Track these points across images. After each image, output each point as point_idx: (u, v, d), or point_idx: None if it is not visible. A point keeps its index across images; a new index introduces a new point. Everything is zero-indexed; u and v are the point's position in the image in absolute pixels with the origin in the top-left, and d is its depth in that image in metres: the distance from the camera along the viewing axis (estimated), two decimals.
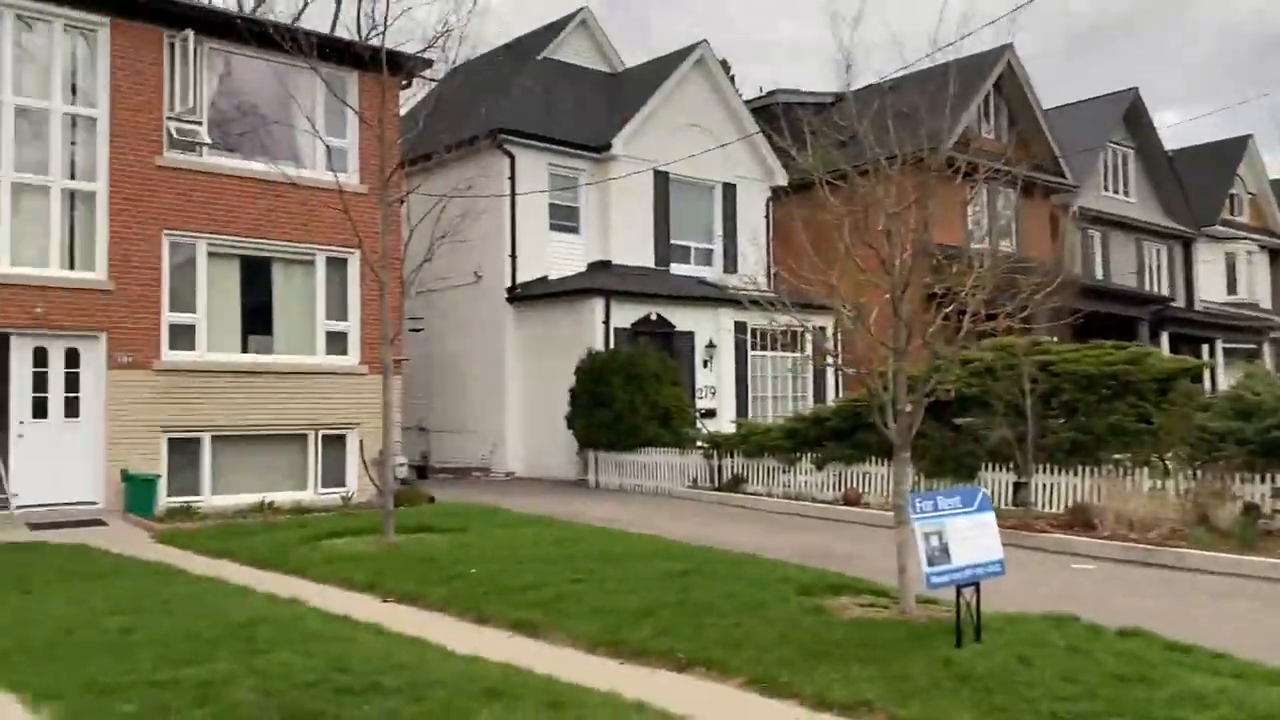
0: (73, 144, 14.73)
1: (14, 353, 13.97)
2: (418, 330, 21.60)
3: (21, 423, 14.01)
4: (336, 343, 16.92)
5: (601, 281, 20.87)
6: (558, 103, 23.36)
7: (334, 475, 16.70)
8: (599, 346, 19.78)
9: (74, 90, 14.78)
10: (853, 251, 8.15)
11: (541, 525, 12.71)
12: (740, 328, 21.93)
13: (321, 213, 16.12)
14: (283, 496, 15.39)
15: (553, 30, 26.17)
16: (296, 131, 16.30)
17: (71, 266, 14.60)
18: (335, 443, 16.80)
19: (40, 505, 13.80)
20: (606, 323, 20.14)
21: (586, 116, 23.40)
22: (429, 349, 22.42)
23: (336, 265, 16.92)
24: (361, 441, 16.69)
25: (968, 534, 6.76)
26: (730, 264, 23.60)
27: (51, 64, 14.54)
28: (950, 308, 8.14)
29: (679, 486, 17.59)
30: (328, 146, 15.75)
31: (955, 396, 13.13)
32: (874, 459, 15.13)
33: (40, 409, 14.19)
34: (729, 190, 24.43)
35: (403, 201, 16.44)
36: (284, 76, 15.28)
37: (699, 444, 18.21)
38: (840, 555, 10.58)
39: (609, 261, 22.19)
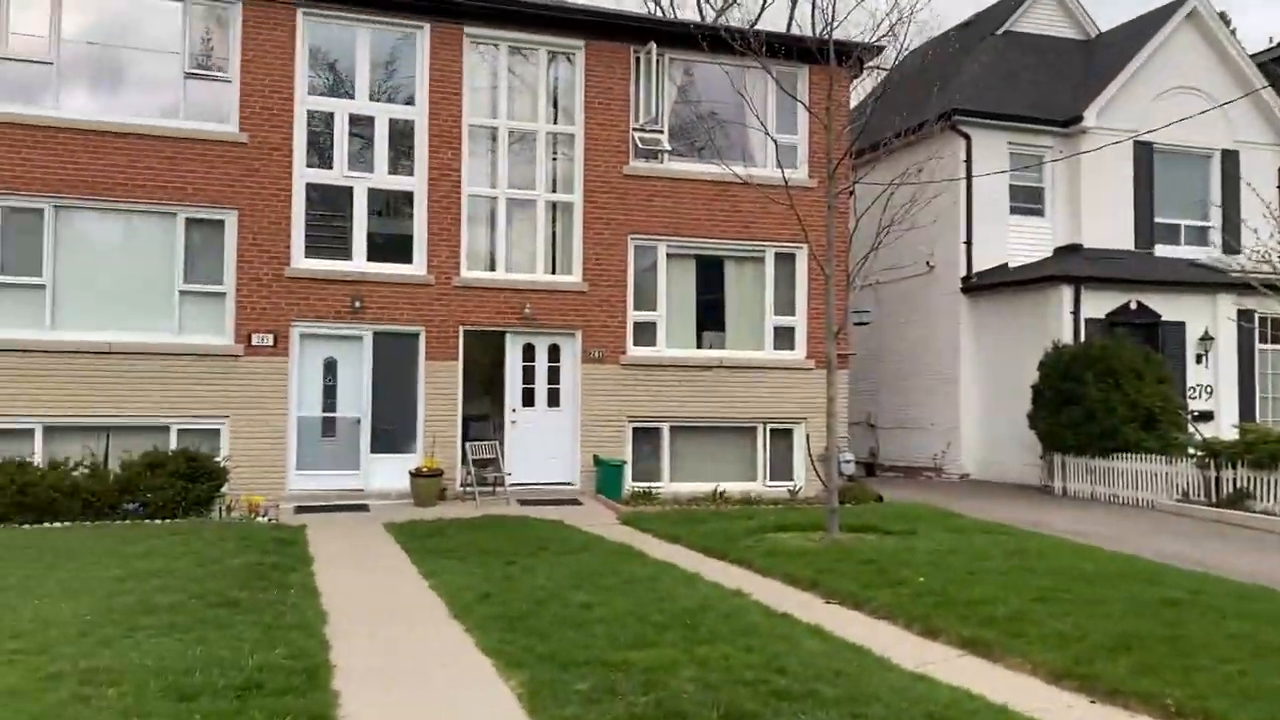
0: (554, 159, 16.34)
1: (508, 349, 15.82)
2: (864, 323, 21.20)
3: (514, 410, 15.84)
4: (784, 338, 17.10)
5: (1070, 267, 18.99)
6: (1018, 77, 21.67)
7: (781, 468, 16.90)
8: (1067, 339, 18.03)
9: (555, 110, 16.39)
10: None
11: (997, 533, 11.75)
12: (1245, 316, 18.85)
13: (771, 209, 16.25)
14: (733, 487, 15.86)
15: (1013, 1, 24.34)
16: (748, 131, 16.71)
17: (553, 271, 16.20)
18: (783, 436, 16.98)
19: (527, 484, 15.48)
20: (1075, 313, 18.30)
21: (1052, 89, 21.44)
22: (877, 342, 21.94)
23: (784, 261, 17.10)
24: (808, 436, 16.69)
25: None
26: (1232, 243, 20.30)
27: (537, 88, 16.25)
28: None
29: (1164, 499, 15.42)
30: (777, 144, 15.89)
31: None
32: None
33: (528, 398, 15.94)
34: (1229, 158, 21.05)
35: (850, 193, 16.19)
36: (736, 78, 15.68)
37: (1191, 451, 15.84)
38: None
39: (1079, 245, 20.14)
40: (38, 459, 13.10)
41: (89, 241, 14.12)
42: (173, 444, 13.74)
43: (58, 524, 11.81)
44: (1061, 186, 20.70)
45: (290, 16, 14.83)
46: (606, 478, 15.44)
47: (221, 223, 14.52)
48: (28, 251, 13.75)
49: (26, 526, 11.61)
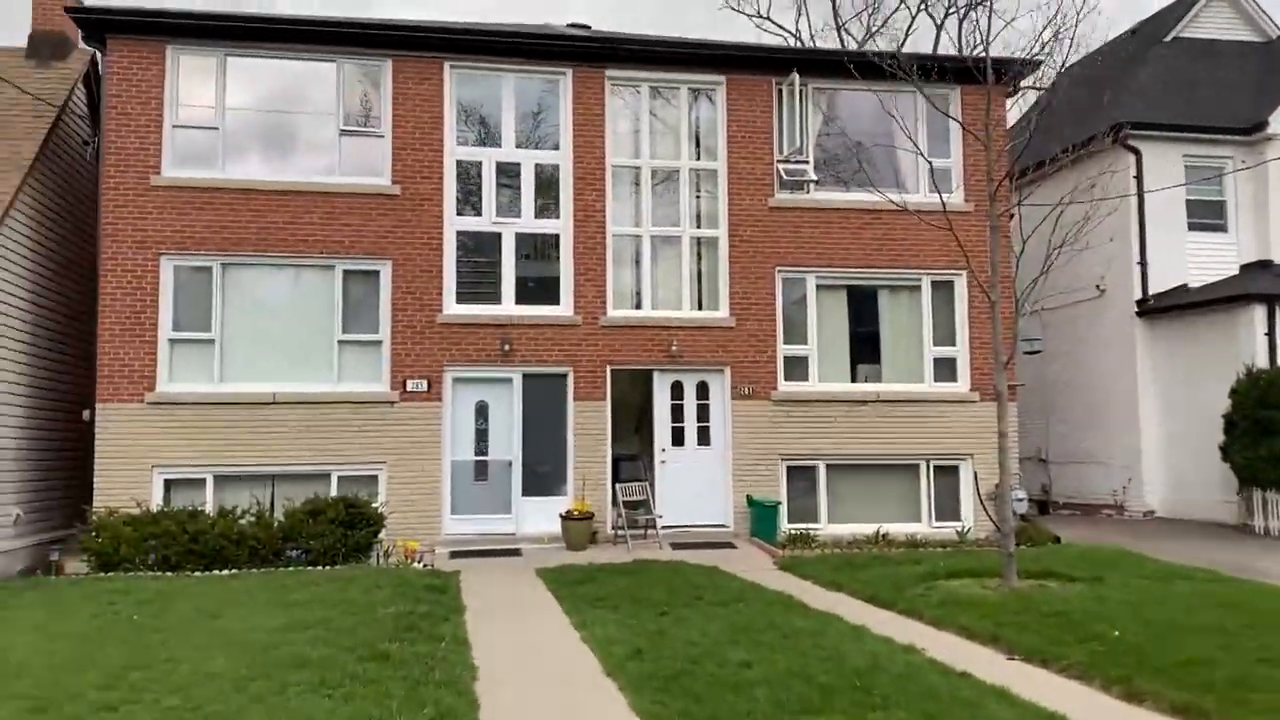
0: (697, 196, 16.10)
1: (655, 387, 15.56)
2: (1034, 352, 19.98)
3: (663, 450, 15.53)
4: (944, 369, 16.24)
5: (1261, 285, 17.40)
6: (1192, 84, 20.21)
7: (947, 508, 15.96)
8: (1261, 363, 16.47)
9: (697, 146, 16.18)
10: None
11: (1199, 580, 10.62)
12: None
13: (925, 236, 15.67)
14: (895, 528, 15.06)
15: (1182, 6, 22.80)
16: (897, 157, 16.09)
17: (699, 307, 15.90)
18: (947, 474, 16.06)
19: (679, 526, 15.11)
20: (1271, 334, 16.74)
21: (1229, 96, 19.89)
22: (1046, 371, 20.65)
23: (942, 289, 16.29)
24: (975, 474, 15.73)
25: None
26: None
27: (678, 125, 16.09)
28: None
29: None
30: (931, 167, 15.24)
31: None
32: None
33: (678, 437, 15.62)
34: None
35: (1012, 216, 15.29)
36: (883, 103, 15.10)
37: None
38: None
39: (1269, 261, 18.47)
40: (208, 507, 13.60)
41: (253, 296, 14.67)
42: (333, 491, 14.05)
43: (225, 571, 12.16)
44: (1245, 199, 19.12)
45: (438, 70, 15.17)
46: (761, 519, 14.92)
47: (377, 273, 14.87)
48: (198, 308, 14.40)
49: (198, 574, 11.98)
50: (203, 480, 14.14)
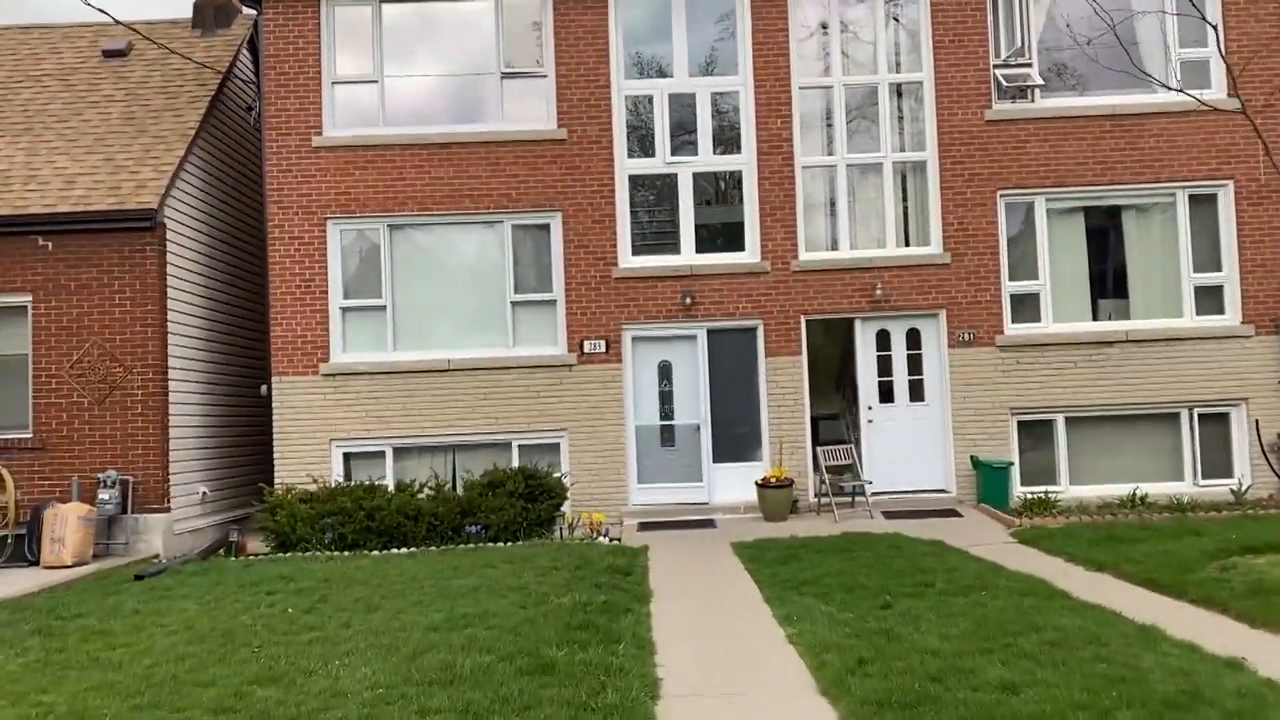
0: (899, 115, 14.07)
1: (858, 337, 13.75)
2: None
3: (870, 408, 13.74)
4: (1209, 299, 13.61)
5: None
6: None
7: (1216, 463, 13.43)
8: None
9: (896, 57, 14.12)
10: None
11: None
12: None
13: (1180, 141, 13.21)
14: (1154, 488, 12.75)
15: None
16: (1139, 52, 13.45)
17: (906, 244, 13.93)
18: (1215, 422, 13.50)
19: (891, 492, 13.33)
20: None
21: None
22: None
23: (1202, 204, 13.61)
24: (1257, 422, 13.12)
25: None
26: None
27: (874, 34, 14.06)
28: None
29: None
30: (1178, 61, 12.65)
31: None
32: None
33: (886, 393, 13.77)
34: None
35: None
36: None
37: None
38: None
39: None
40: (388, 480, 12.98)
41: (422, 259, 13.88)
42: (514, 461, 13.20)
43: (403, 550, 11.43)
44: None
45: None
46: (989, 483, 12.92)
47: (547, 227, 13.76)
48: (367, 274, 13.75)
49: (374, 553, 11.29)
50: (381, 453, 13.53)
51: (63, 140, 13.35)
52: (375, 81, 13.84)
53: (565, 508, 12.55)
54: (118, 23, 14.20)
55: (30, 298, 12.18)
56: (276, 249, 13.56)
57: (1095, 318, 13.76)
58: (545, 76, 13.82)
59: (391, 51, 13.93)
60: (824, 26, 14.06)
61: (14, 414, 12.17)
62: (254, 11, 14.23)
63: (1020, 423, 13.55)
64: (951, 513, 12.68)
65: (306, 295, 13.56)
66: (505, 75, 13.85)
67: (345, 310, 13.65)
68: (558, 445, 13.53)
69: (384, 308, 13.65)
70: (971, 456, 13.29)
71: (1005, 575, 8.43)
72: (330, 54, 13.81)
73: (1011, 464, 13.18)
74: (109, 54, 14.98)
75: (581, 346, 13.57)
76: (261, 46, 13.94)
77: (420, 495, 12.27)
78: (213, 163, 14.35)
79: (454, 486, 12.97)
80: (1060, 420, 13.50)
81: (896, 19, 14.11)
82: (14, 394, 12.18)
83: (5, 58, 14.93)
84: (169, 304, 12.54)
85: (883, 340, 13.80)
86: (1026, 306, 13.72)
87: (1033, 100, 13.78)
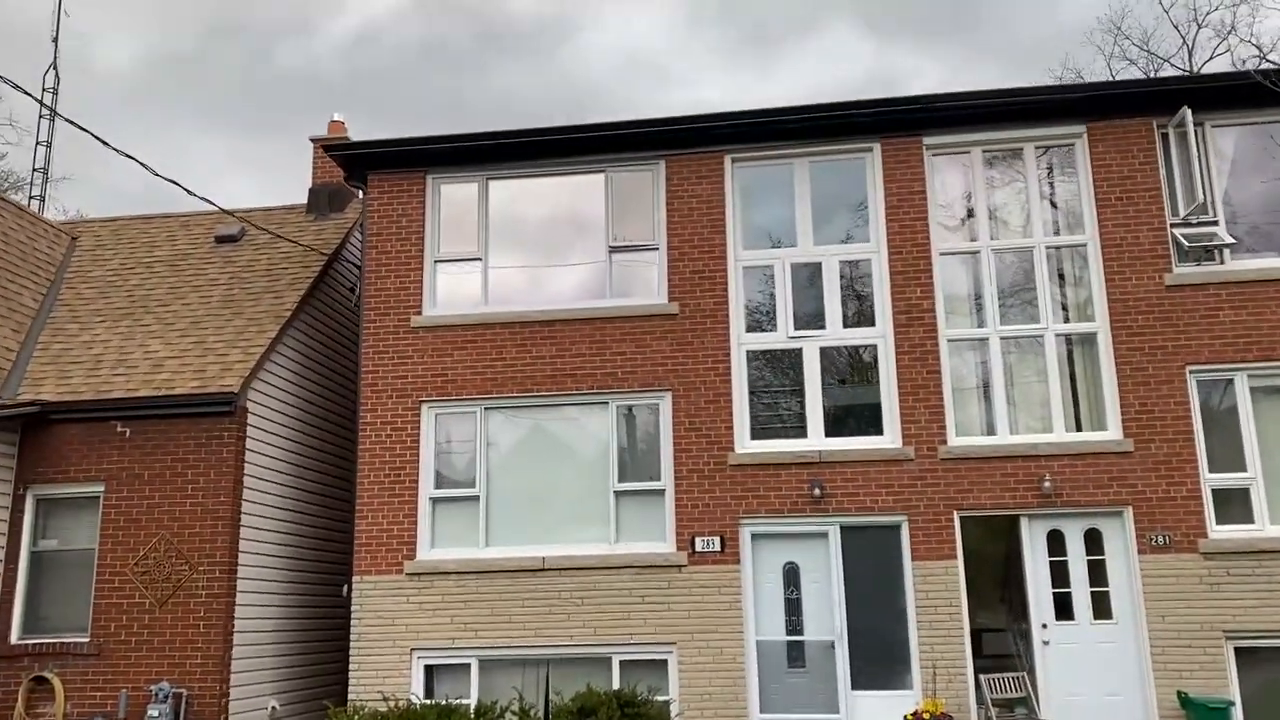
0: (1060, 281, 12.28)
1: (1025, 538, 11.53)
2: None
3: (1044, 626, 11.34)
4: None
5: None
6: None
7: None
8: None
9: (1054, 218, 12.48)
10: None
11: None
12: None
13: None
14: None
15: None
16: None
17: (1078, 427, 11.84)
18: None
19: None
20: None
21: None
22: None
23: None
24: None
25: None
26: None
27: (1025, 194, 12.51)
28: None
29: None
30: None
31: None
32: None
33: (1063, 607, 11.38)
34: None
35: None
36: None
37: None
38: None
39: None
40: (471, 699, 11.31)
41: (520, 444, 12.64)
42: (614, 680, 11.38)
43: None
44: None
45: (718, 164, 12.83)
46: None
47: (655, 407, 12.37)
48: (460, 461, 12.59)
49: None
50: (466, 666, 11.93)
51: (160, 324, 12.98)
52: (479, 259, 13.08)
53: None
54: (225, 212, 14.06)
55: (103, 487, 11.45)
56: (367, 434, 12.57)
57: None
58: (656, 249, 12.77)
59: (496, 228, 13.22)
60: (967, 190, 12.61)
61: (75, 616, 11.26)
62: (360, 192, 13.88)
63: (1239, 649, 10.89)
64: None
65: (395, 485, 12.43)
66: (613, 249, 12.86)
67: (435, 501, 12.43)
68: (665, 662, 11.64)
69: (476, 498, 12.37)
70: (1178, 692, 10.67)
71: None
72: (434, 231, 13.20)
73: (1232, 704, 10.48)
74: (221, 239, 14.89)
75: (692, 543, 11.84)
76: (365, 224, 13.46)
77: None
78: (307, 346, 13.73)
79: (544, 712, 11.18)
80: None
81: (1051, 178, 12.55)
82: (77, 594, 11.31)
83: (122, 246, 15.00)
84: (244, 493, 11.61)
85: (1055, 543, 11.53)
86: (1233, 503, 11.30)
87: (1221, 261, 11.81)
